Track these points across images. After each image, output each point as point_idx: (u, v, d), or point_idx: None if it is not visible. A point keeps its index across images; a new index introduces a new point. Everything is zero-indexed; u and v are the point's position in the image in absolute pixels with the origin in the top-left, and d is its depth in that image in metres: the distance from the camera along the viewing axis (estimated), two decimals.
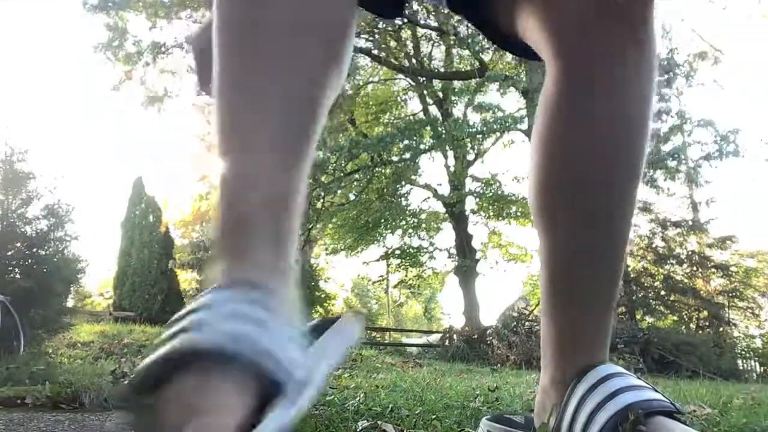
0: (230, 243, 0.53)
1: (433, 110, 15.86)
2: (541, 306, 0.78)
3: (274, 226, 0.52)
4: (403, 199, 17.45)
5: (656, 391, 0.74)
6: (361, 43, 13.98)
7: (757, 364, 11.85)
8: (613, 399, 0.69)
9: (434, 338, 15.27)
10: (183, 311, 0.48)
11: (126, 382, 0.45)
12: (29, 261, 3.55)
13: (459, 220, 16.55)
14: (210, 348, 0.42)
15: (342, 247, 19.55)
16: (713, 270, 16.10)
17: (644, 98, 0.69)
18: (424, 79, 14.94)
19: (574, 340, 0.75)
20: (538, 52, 0.71)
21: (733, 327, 15.59)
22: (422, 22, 13.87)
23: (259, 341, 0.44)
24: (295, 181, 0.54)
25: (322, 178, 12.85)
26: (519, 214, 16.42)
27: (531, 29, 0.70)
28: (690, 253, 16.40)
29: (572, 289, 0.74)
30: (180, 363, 0.42)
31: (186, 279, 18.71)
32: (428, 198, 17.53)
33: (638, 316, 15.47)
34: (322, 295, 21.82)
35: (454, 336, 11.28)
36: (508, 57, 15.55)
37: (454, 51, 15.43)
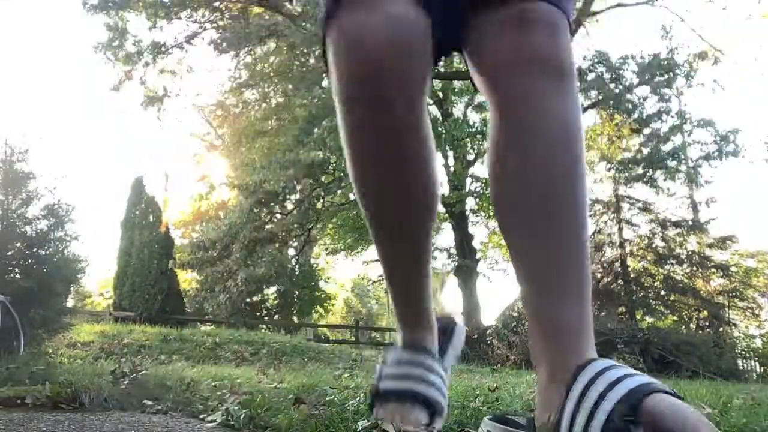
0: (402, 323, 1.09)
1: (433, 110, 15.86)
2: (524, 307, 0.88)
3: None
4: None
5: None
6: None
7: (757, 364, 11.85)
8: (614, 388, 0.71)
9: None
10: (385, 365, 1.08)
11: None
12: (29, 261, 3.55)
13: (459, 220, 16.54)
14: (404, 391, 1.00)
15: (342, 247, 19.55)
16: (713, 270, 16.10)
17: (569, 124, 0.82)
18: None
19: (559, 337, 0.81)
20: (480, 90, 0.88)
21: (733, 327, 15.58)
22: None
23: (426, 390, 1.00)
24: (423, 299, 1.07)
25: (322, 178, 12.85)
26: None
27: (473, 72, 0.88)
28: (690, 253, 16.40)
29: (545, 289, 0.84)
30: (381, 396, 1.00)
31: (186, 279, 18.71)
32: None
33: (638, 316, 15.47)
34: (322, 295, 21.81)
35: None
36: None
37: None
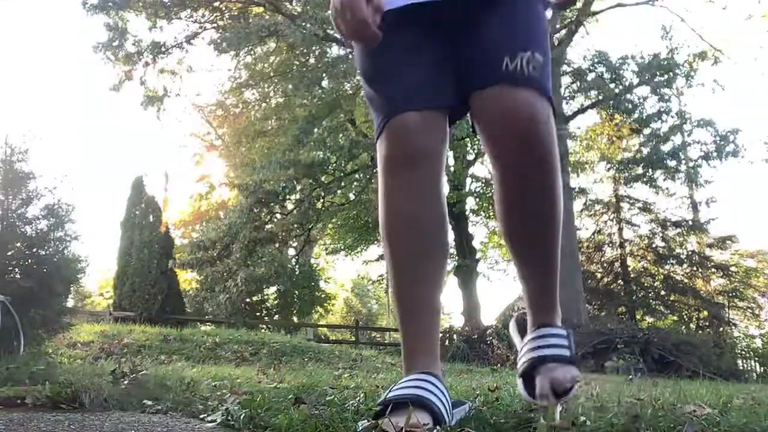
0: (412, 355, 1.24)
1: None
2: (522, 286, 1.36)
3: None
4: None
5: (571, 351, 1.28)
6: None
7: (757, 364, 11.85)
8: (534, 351, 1.28)
9: None
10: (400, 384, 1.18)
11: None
12: (29, 261, 3.54)
13: (459, 220, 16.54)
14: (411, 396, 1.09)
15: (342, 247, 19.55)
16: (713, 270, 16.11)
17: (544, 187, 1.19)
18: None
19: (534, 304, 1.33)
20: (487, 154, 1.23)
21: (733, 327, 15.59)
22: None
23: (432, 399, 1.10)
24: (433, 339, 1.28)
25: (322, 178, 12.85)
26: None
27: (482, 142, 1.22)
28: (690, 253, 16.40)
29: (526, 273, 1.33)
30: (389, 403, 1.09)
31: (186, 279, 18.71)
32: None
33: (638, 316, 15.47)
34: (322, 295, 21.80)
35: (454, 336, 11.28)
36: None
37: None
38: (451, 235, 17.40)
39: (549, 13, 1.39)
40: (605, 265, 16.93)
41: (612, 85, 11.03)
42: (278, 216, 14.14)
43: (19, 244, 3.51)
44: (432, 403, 1.10)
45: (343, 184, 14.46)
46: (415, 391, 1.12)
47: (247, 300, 16.16)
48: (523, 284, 1.35)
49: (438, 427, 1.07)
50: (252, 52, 14.76)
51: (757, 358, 11.94)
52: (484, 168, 18.11)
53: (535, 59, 1.13)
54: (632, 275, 16.41)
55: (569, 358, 1.27)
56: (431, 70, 1.22)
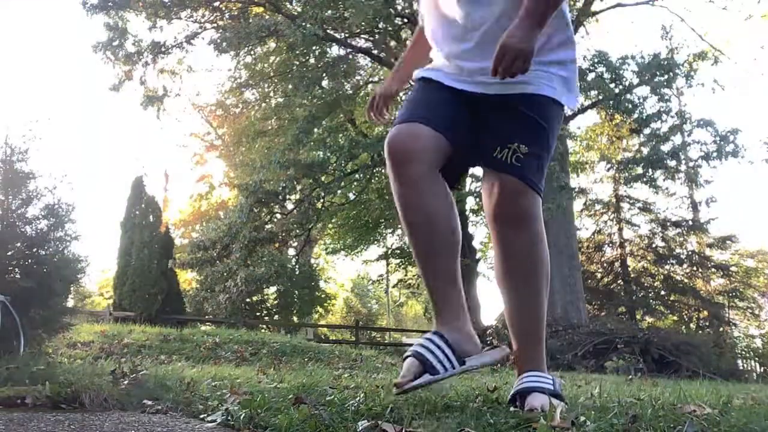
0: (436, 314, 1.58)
1: None
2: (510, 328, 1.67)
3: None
4: None
5: (554, 386, 1.60)
6: (361, 43, 13.97)
7: (757, 364, 11.85)
8: (520, 383, 1.59)
9: None
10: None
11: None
12: (29, 261, 3.53)
13: (459, 220, 16.52)
14: (415, 352, 1.53)
15: (342, 247, 19.56)
16: (713, 270, 16.11)
17: (524, 253, 1.53)
18: None
19: (521, 355, 1.63)
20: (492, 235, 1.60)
21: (733, 327, 15.59)
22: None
23: (424, 352, 1.52)
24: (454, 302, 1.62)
25: (322, 178, 12.84)
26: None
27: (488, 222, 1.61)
28: (690, 253, 16.41)
29: (517, 327, 1.64)
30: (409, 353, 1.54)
31: (186, 279, 18.71)
32: None
33: (638, 316, 15.47)
34: (322, 295, 21.80)
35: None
36: None
37: None
38: None
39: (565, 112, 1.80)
40: (605, 265, 16.93)
41: (612, 85, 11.01)
42: (278, 216, 14.14)
43: (19, 244, 3.51)
44: (424, 356, 1.52)
45: (343, 184, 14.45)
46: (415, 348, 1.56)
47: (247, 300, 16.16)
48: (513, 339, 1.65)
49: (427, 374, 1.51)
50: (252, 52, 14.76)
51: (757, 358, 11.94)
52: None
53: (519, 150, 1.47)
54: (632, 275, 16.42)
55: (553, 391, 1.56)
56: (455, 118, 1.59)
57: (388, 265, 21.76)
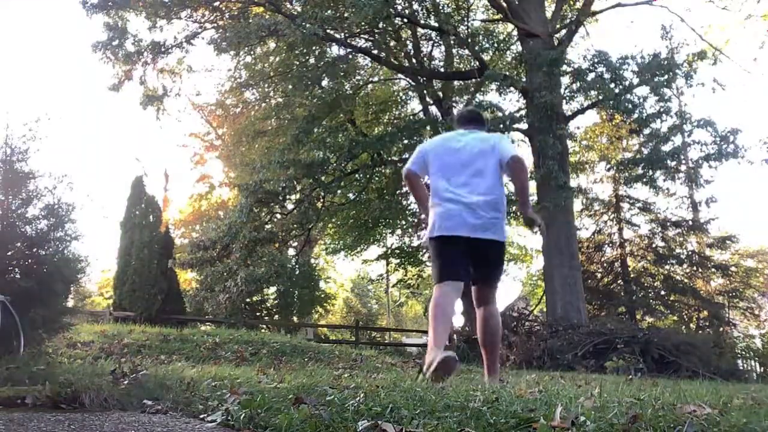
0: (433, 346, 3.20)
1: (433, 110, 15.86)
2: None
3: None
4: (402, 198, 17.44)
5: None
6: (361, 43, 13.97)
7: (757, 364, 11.84)
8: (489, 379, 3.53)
9: None
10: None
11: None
12: (29, 261, 3.53)
13: None
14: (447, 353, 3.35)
15: (342, 247, 19.56)
16: (713, 270, 16.09)
17: (497, 324, 3.50)
18: (423, 78, 14.93)
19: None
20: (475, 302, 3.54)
21: (733, 327, 15.58)
22: (422, 22, 13.86)
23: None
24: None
25: (322, 178, 12.83)
26: (519, 214, 16.36)
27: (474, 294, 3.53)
28: (690, 253, 16.39)
29: (485, 357, 3.58)
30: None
31: (186, 279, 18.71)
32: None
33: (638, 316, 15.46)
34: (322, 295, 21.80)
35: (454, 336, 11.27)
36: (508, 57, 15.56)
37: (453, 51, 15.42)
38: None
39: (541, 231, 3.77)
40: (605, 265, 16.93)
41: (612, 85, 11.00)
42: (278, 216, 14.14)
43: (19, 244, 3.51)
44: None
45: (343, 184, 14.45)
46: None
47: (247, 300, 16.16)
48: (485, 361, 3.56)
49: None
50: (252, 52, 14.76)
51: (757, 358, 11.93)
52: None
53: (499, 273, 3.59)
54: (632, 275, 16.41)
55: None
56: (465, 266, 3.38)
57: (387, 264, 21.76)
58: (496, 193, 3.36)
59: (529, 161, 15.81)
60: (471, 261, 3.34)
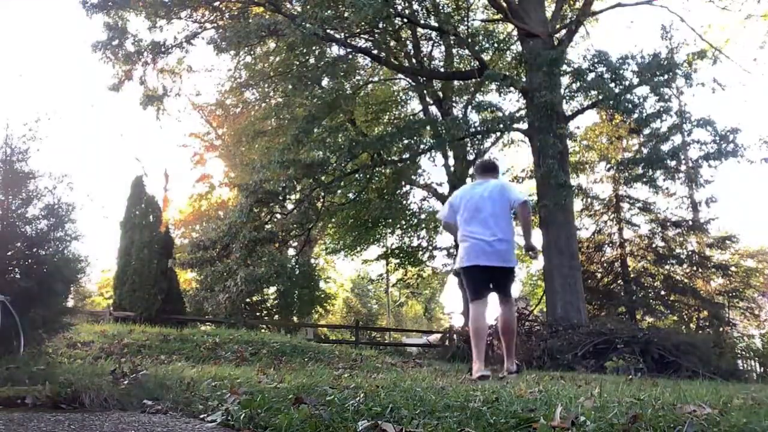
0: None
1: (433, 110, 15.86)
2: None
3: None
4: (402, 198, 17.45)
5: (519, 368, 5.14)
6: (361, 43, 13.97)
7: (757, 364, 11.83)
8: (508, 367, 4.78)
9: (434, 338, 15.26)
10: None
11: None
12: (29, 261, 3.53)
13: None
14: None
15: (342, 247, 19.55)
16: (713, 270, 16.08)
17: (512, 317, 4.74)
18: (423, 78, 14.93)
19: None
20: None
21: (733, 327, 15.57)
22: (422, 22, 13.85)
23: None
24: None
25: (322, 178, 12.83)
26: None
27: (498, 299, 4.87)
28: (690, 253, 16.39)
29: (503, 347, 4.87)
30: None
31: (186, 279, 18.70)
32: (428, 198, 17.52)
33: (638, 316, 15.45)
34: (322, 295, 21.80)
35: (454, 336, 11.27)
36: (508, 57, 15.55)
37: (453, 51, 15.42)
38: (451, 236, 17.42)
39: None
40: (605, 265, 16.92)
41: (612, 85, 10.99)
42: (278, 216, 14.13)
43: (19, 244, 3.51)
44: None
45: (343, 183, 14.44)
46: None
47: (247, 300, 16.15)
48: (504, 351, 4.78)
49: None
50: (252, 52, 14.76)
51: (757, 358, 11.92)
52: None
53: (509, 289, 4.78)
54: (632, 275, 16.40)
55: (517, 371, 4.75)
56: (486, 286, 4.70)
57: (387, 264, 21.75)
58: (506, 230, 4.66)
59: (529, 161, 15.84)
60: (491, 281, 4.70)
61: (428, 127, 13.58)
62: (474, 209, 4.70)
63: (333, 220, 17.33)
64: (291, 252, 18.66)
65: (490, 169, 5.02)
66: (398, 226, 18.14)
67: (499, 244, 4.56)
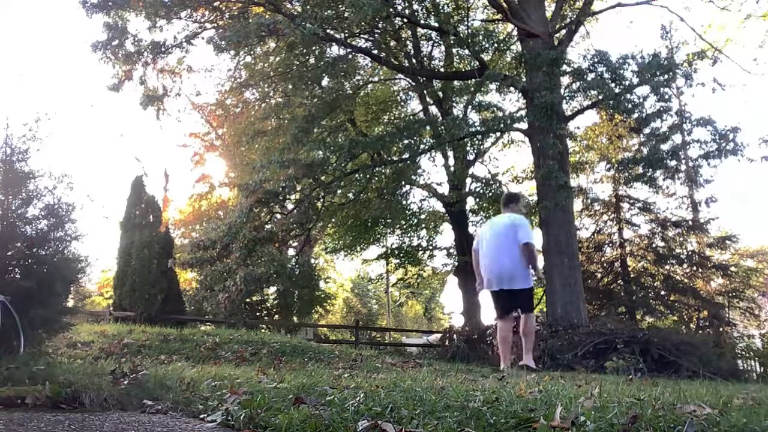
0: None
1: (433, 110, 15.86)
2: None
3: None
4: (402, 198, 17.44)
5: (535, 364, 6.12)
6: (361, 43, 13.96)
7: (757, 364, 11.83)
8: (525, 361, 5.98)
9: (434, 338, 15.26)
10: None
11: None
12: (29, 261, 3.53)
13: (459, 220, 16.52)
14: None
15: (341, 246, 19.56)
16: (713, 270, 16.08)
17: (532, 322, 5.99)
18: (423, 78, 14.92)
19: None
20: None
21: (733, 327, 15.56)
22: (422, 22, 13.85)
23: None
24: None
25: (322, 178, 12.82)
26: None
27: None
28: (690, 253, 16.38)
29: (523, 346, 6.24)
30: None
31: (186, 279, 18.70)
32: (428, 198, 17.52)
33: (638, 316, 15.45)
34: (322, 295, 21.80)
35: (454, 336, 11.27)
36: (508, 57, 15.55)
37: (453, 51, 15.42)
38: (451, 235, 17.45)
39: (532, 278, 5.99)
40: (605, 265, 16.92)
41: (612, 85, 10.99)
42: (278, 216, 14.13)
43: (19, 244, 3.50)
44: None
45: (343, 183, 14.43)
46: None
47: (247, 300, 16.15)
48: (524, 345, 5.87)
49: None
50: (252, 52, 14.75)
51: (757, 358, 11.92)
52: (483, 168, 18.12)
53: (527, 307, 5.92)
54: (632, 275, 16.40)
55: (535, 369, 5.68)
56: (507, 305, 5.88)
57: (387, 264, 21.76)
58: (512, 261, 5.76)
59: (529, 161, 15.84)
60: (510, 300, 5.84)
61: (428, 127, 13.58)
62: (487, 245, 5.96)
63: (333, 219, 17.33)
64: (291, 252, 18.66)
65: (509, 202, 6.13)
66: (398, 225, 18.14)
67: (505, 273, 5.76)
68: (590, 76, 11.24)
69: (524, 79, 12.32)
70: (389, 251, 19.22)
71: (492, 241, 5.86)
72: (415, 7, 13.78)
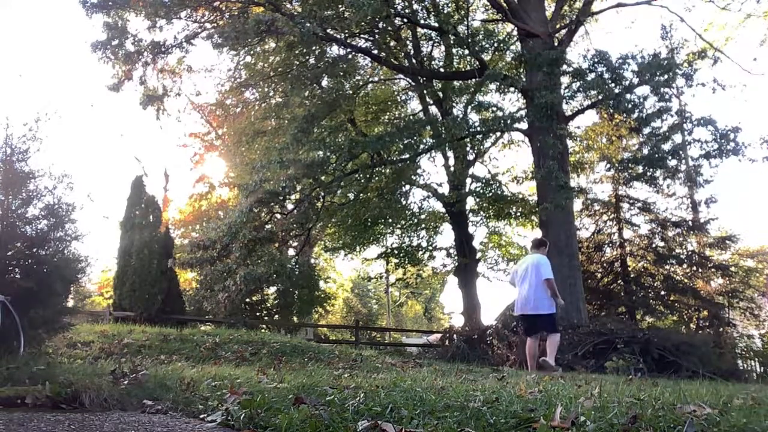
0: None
1: (433, 110, 15.85)
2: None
3: None
4: (402, 198, 17.43)
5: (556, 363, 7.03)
6: (361, 43, 13.96)
7: (757, 364, 11.84)
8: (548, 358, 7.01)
9: (434, 338, 15.25)
10: None
11: None
12: (29, 261, 3.53)
13: (459, 220, 16.51)
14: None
15: (341, 246, 19.54)
16: (713, 270, 16.07)
17: (556, 339, 7.12)
18: (423, 78, 14.92)
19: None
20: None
21: (733, 327, 15.56)
22: (422, 22, 13.84)
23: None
24: None
25: (322, 178, 12.81)
26: (519, 214, 16.37)
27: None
28: (690, 253, 16.38)
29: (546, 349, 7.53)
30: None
31: (186, 279, 18.69)
32: (428, 198, 17.52)
33: (638, 316, 15.45)
34: (322, 295, 21.78)
35: (454, 336, 11.27)
36: (508, 57, 15.55)
37: (453, 51, 15.42)
38: (451, 235, 17.46)
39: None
40: (605, 265, 16.92)
41: (612, 85, 10.99)
42: (278, 216, 14.12)
43: (19, 244, 3.50)
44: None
45: (343, 183, 14.43)
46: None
47: (247, 300, 16.15)
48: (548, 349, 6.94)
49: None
50: (251, 52, 14.75)
51: (757, 358, 11.93)
52: (483, 168, 18.12)
53: (549, 329, 7.10)
54: (632, 275, 16.39)
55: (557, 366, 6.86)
56: (533, 327, 7.23)
57: (387, 264, 21.75)
58: (537, 291, 7.06)
59: (529, 161, 15.84)
60: (535, 322, 7.12)
61: (428, 127, 13.57)
62: (520, 278, 7.36)
63: (333, 219, 17.32)
64: (291, 252, 18.65)
65: (537, 246, 7.57)
66: (398, 225, 18.12)
67: (533, 300, 7.07)
68: (590, 76, 11.24)
69: (524, 79, 12.31)
70: (389, 251, 19.21)
71: (526, 276, 7.28)
72: (415, 7, 13.78)
